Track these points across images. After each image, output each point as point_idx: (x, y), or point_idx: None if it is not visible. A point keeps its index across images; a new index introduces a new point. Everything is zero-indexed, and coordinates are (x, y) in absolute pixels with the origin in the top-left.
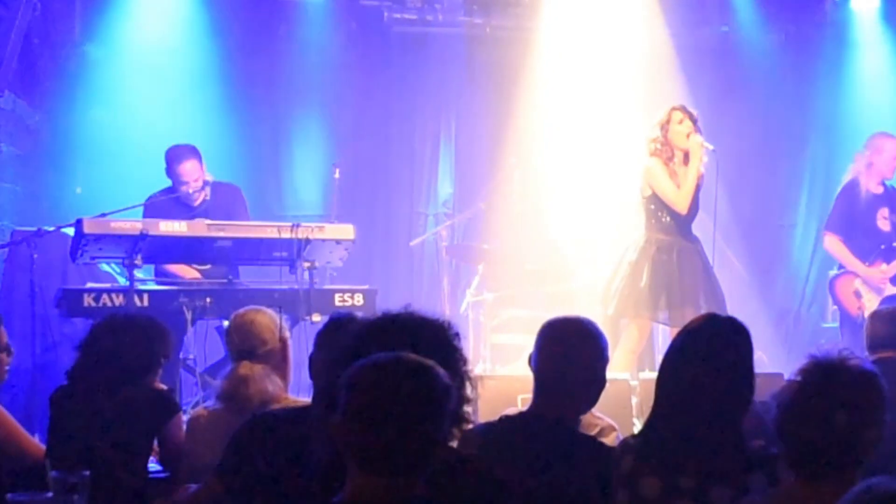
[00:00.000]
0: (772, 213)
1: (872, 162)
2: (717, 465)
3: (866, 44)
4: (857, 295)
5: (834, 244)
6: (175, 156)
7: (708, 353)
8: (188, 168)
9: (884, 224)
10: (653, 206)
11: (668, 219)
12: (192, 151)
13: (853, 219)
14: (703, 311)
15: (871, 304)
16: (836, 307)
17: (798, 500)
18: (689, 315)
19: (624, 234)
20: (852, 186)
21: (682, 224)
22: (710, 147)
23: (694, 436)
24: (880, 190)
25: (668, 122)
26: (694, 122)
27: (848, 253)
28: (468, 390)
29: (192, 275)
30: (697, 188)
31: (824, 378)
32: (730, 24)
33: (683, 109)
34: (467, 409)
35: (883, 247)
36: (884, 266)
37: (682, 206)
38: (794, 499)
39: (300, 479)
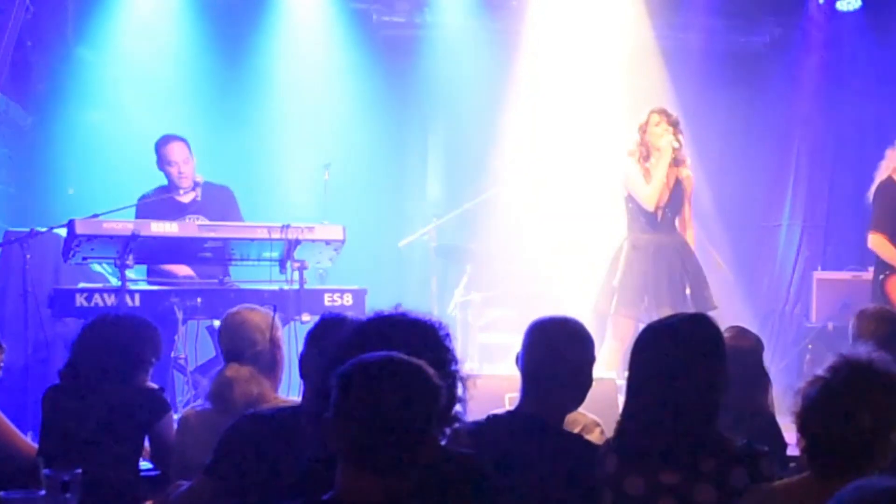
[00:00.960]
0: (756, 213)
1: None
2: (699, 462)
3: (851, 45)
4: None
5: (881, 243)
6: (163, 140)
7: (670, 350)
8: (175, 149)
9: None
10: (630, 205)
11: (644, 217)
12: (179, 137)
13: (892, 215)
14: (681, 309)
15: None
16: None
17: (812, 493)
18: (665, 313)
19: (612, 234)
20: (889, 184)
21: (659, 222)
22: (676, 145)
23: (672, 434)
24: None
25: (646, 123)
26: (673, 124)
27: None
28: (459, 390)
29: (186, 272)
30: (681, 189)
31: (852, 377)
32: (715, 25)
33: (662, 112)
34: (458, 408)
35: None
36: None
37: (649, 204)
38: (807, 492)
39: (290, 477)
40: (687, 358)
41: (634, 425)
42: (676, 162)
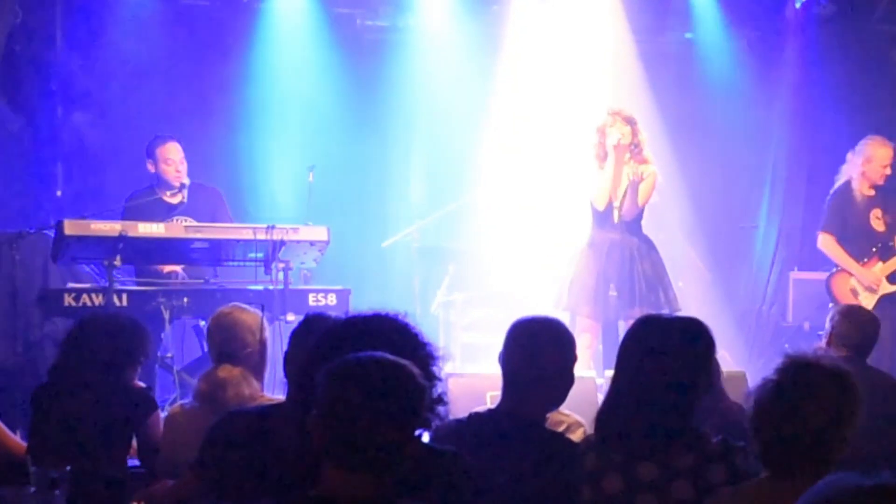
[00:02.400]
0: (734, 214)
1: (864, 171)
2: (676, 459)
3: (825, 49)
4: (854, 293)
5: (828, 243)
6: (160, 140)
7: (651, 350)
8: (172, 148)
9: (878, 224)
10: (589, 205)
11: (601, 216)
12: (173, 137)
13: (847, 220)
14: (640, 307)
15: (867, 301)
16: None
17: (769, 494)
18: (618, 311)
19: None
20: (845, 189)
21: (616, 222)
22: (615, 144)
23: (651, 432)
24: (872, 192)
25: (603, 124)
26: (630, 122)
27: (842, 251)
28: (439, 388)
29: (171, 267)
30: (640, 186)
31: (800, 377)
32: (693, 30)
33: (617, 112)
34: (440, 407)
35: (876, 248)
36: (880, 265)
37: (597, 203)
38: (765, 493)
39: (275, 474)
40: (664, 356)
41: (614, 423)
42: (636, 159)
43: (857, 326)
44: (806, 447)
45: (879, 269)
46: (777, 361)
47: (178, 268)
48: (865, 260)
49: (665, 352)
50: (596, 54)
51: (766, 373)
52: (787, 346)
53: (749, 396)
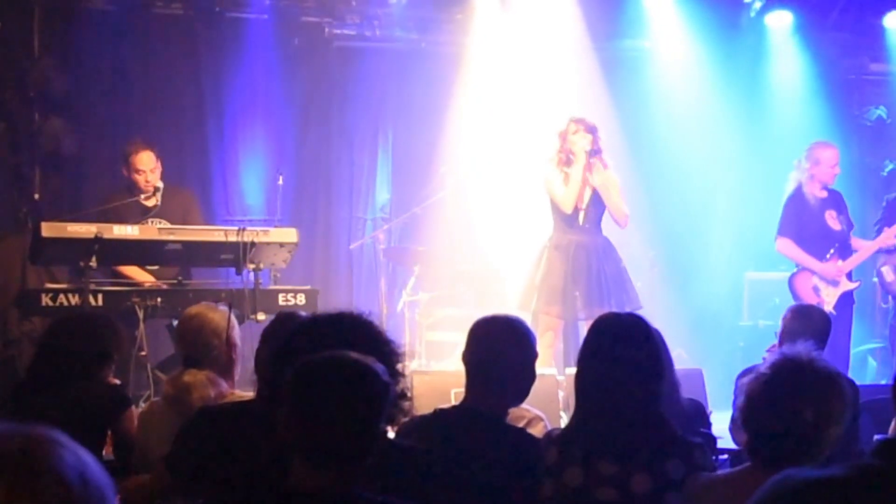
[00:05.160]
0: (690, 217)
1: (813, 174)
2: (636, 453)
3: (780, 56)
4: (816, 290)
5: (787, 245)
6: (133, 148)
7: (613, 348)
8: (144, 158)
9: (834, 224)
10: (553, 208)
11: (566, 219)
12: (147, 143)
13: (803, 223)
14: (601, 307)
15: (829, 297)
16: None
17: (753, 484)
18: (582, 311)
19: (546, 236)
20: (798, 194)
21: (581, 224)
22: (587, 149)
23: (612, 427)
24: (824, 194)
25: (565, 131)
26: (591, 131)
27: (801, 251)
28: (402, 384)
29: (146, 278)
30: (601, 191)
31: (794, 374)
32: (651, 38)
33: (580, 120)
34: (405, 403)
35: (834, 248)
36: (839, 262)
37: (566, 206)
38: (749, 483)
39: (245, 468)
40: (624, 354)
41: (576, 419)
42: (598, 165)
43: (808, 323)
44: (793, 443)
45: (840, 265)
46: (768, 358)
47: (152, 279)
48: (826, 259)
49: (623, 349)
50: (556, 62)
51: (722, 370)
52: (741, 343)
53: (739, 391)
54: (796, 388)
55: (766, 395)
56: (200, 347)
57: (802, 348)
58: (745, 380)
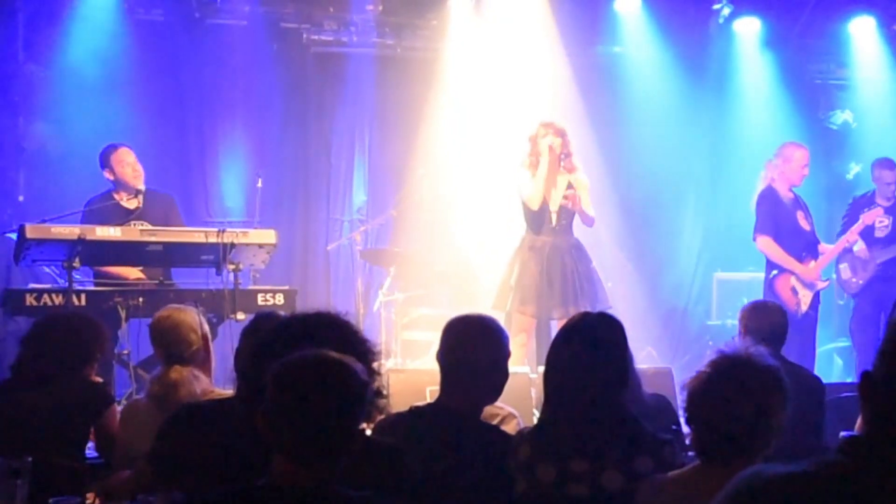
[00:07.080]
0: (661, 219)
1: (783, 172)
2: (606, 450)
3: (748, 62)
4: (794, 292)
5: (768, 244)
6: (112, 147)
7: (583, 348)
8: (123, 152)
9: (804, 224)
10: (526, 210)
11: (539, 221)
12: (123, 143)
13: (779, 221)
14: (575, 306)
15: (805, 299)
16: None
17: (702, 481)
18: (555, 310)
19: (520, 237)
20: (770, 192)
21: (554, 226)
22: (556, 151)
23: (583, 424)
24: (791, 195)
25: (535, 135)
26: (560, 134)
27: (783, 252)
28: (378, 382)
29: (136, 275)
30: (559, 191)
31: (732, 370)
32: (622, 43)
33: (549, 124)
34: (381, 401)
35: (804, 250)
36: (812, 263)
37: (532, 203)
38: (698, 480)
39: (224, 465)
40: (596, 353)
41: (547, 416)
42: (567, 168)
43: (766, 319)
44: (736, 437)
45: (814, 266)
46: (708, 355)
47: (142, 275)
48: (803, 258)
49: (591, 348)
50: (530, 66)
51: (691, 369)
52: (710, 342)
53: (682, 389)
54: (736, 384)
55: (707, 392)
56: (182, 345)
57: (741, 345)
58: (687, 378)
